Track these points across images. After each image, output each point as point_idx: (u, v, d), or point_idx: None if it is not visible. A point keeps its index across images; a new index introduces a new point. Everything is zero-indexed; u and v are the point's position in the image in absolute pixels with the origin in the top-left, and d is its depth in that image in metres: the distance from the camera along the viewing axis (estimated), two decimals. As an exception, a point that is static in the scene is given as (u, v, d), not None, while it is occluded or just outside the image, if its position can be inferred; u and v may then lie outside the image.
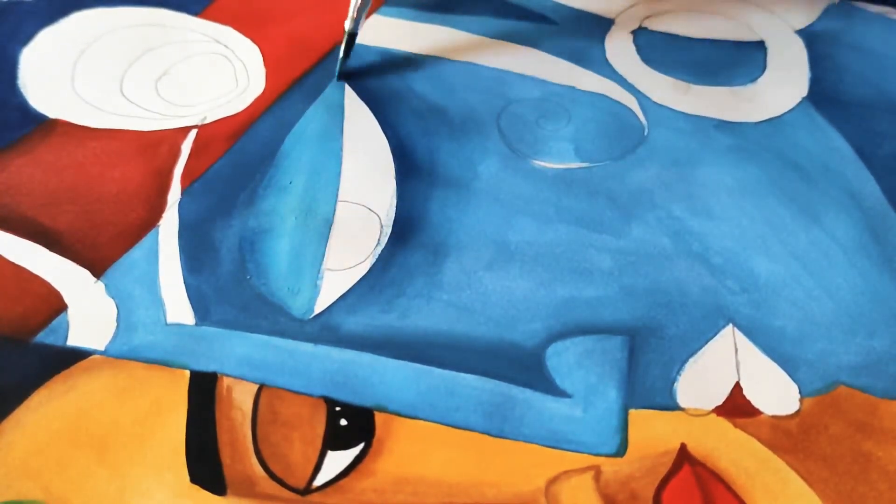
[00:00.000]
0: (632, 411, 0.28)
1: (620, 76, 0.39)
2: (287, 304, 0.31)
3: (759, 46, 0.41)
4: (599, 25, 0.41)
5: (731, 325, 0.31)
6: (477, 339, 0.30)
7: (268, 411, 0.28)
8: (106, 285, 0.31)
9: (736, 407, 0.29)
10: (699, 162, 0.36)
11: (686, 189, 0.35)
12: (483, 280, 0.32)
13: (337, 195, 0.34)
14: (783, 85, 0.39)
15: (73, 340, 0.29)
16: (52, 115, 0.36)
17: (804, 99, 0.38)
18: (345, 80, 0.38)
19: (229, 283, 0.31)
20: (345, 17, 0.37)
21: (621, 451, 0.28)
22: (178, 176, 0.34)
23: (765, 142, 0.36)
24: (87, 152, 0.35)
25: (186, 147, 0.35)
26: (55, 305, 0.30)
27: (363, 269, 0.32)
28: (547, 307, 0.31)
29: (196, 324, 0.30)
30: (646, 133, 0.37)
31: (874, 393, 0.29)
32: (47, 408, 0.28)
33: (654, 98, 0.38)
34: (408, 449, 0.27)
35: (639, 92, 0.38)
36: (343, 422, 0.28)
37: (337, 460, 0.27)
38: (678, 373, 0.29)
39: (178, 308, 0.30)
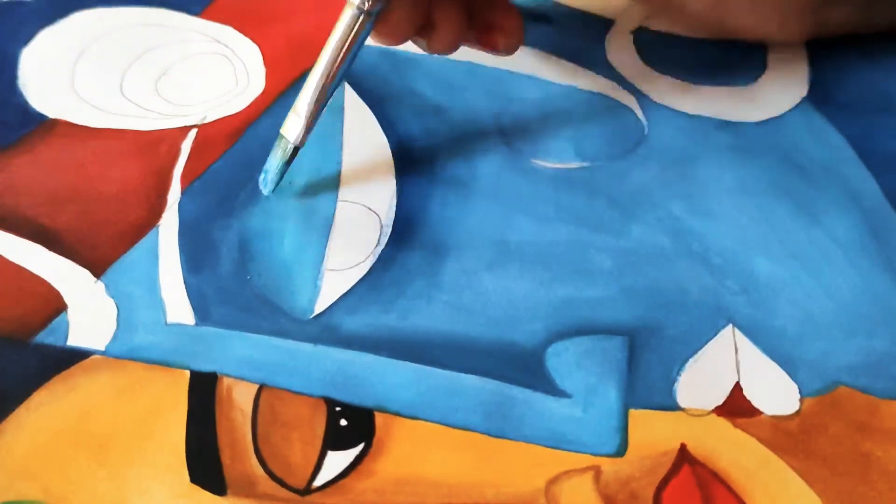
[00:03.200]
0: (632, 411, 0.28)
1: (620, 76, 0.39)
2: (287, 304, 0.31)
3: (760, 46, 0.41)
4: (599, 25, 0.41)
5: (731, 325, 0.31)
6: (477, 340, 0.30)
7: (268, 412, 0.28)
8: (106, 285, 0.31)
9: (736, 407, 0.29)
10: (699, 162, 0.36)
11: (686, 189, 0.35)
12: (483, 280, 0.32)
13: (337, 195, 0.34)
14: (783, 85, 0.39)
15: (73, 341, 0.29)
16: (52, 115, 0.36)
17: (804, 99, 0.38)
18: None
19: (229, 283, 0.31)
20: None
21: (621, 451, 0.28)
22: (178, 176, 0.34)
23: (765, 142, 0.36)
24: (87, 152, 0.35)
25: (186, 147, 0.35)
26: (55, 305, 0.30)
27: (363, 269, 0.32)
28: (547, 307, 0.31)
29: (196, 324, 0.30)
30: (646, 133, 0.37)
31: (874, 393, 0.29)
32: (47, 408, 0.28)
33: (654, 98, 0.38)
34: (408, 449, 0.27)
35: (639, 91, 0.38)
36: (343, 422, 0.28)
37: (337, 460, 0.27)
38: (678, 373, 0.29)
39: (179, 308, 0.30)
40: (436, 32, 0.32)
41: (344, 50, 0.30)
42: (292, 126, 0.32)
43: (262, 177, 0.33)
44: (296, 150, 0.32)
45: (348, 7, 0.30)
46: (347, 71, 0.31)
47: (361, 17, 0.30)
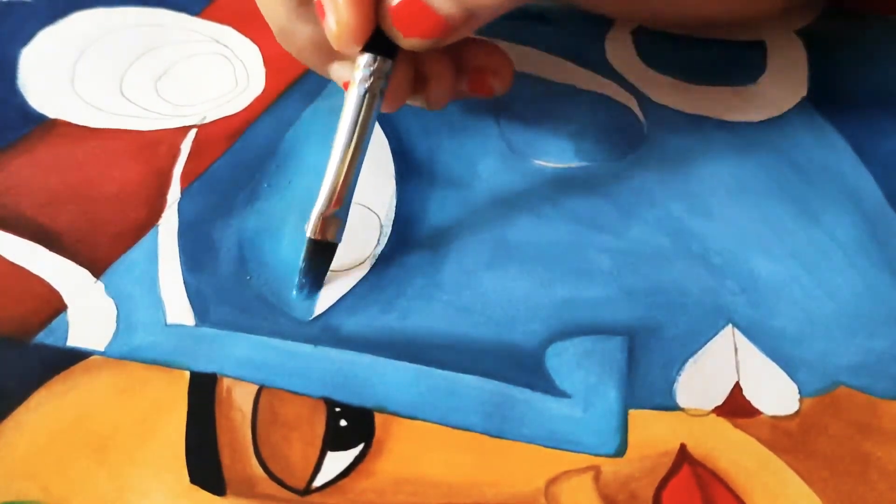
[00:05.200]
0: (631, 411, 0.28)
1: (620, 75, 0.39)
2: (287, 304, 0.31)
3: (759, 46, 0.41)
4: (599, 25, 0.41)
5: (730, 325, 0.31)
6: (477, 340, 0.30)
7: (268, 412, 0.28)
8: (105, 285, 0.31)
9: (736, 407, 0.29)
10: (699, 162, 0.36)
11: (686, 189, 0.35)
12: (483, 280, 0.32)
13: (337, 195, 0.34)
14: (783, 85, 0.39)
15: (73, 341, 0.29)
16: (51, 115, 0.36)
17: (804, 99, 0.38)
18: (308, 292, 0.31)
19: (229, 284, 0.31)
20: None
21: (621, 451, 0.28)
22: (178, 176, 0.34)
23: (765, 142, 0.36)
24: (87, 152, 0.35)
25: (186, 147, 0.35)
26: (55, 305, 0.30)
27: (363, 269, 0.32)
28: (547, 307, 0.31)
29: (196, 324, 0.30)
30: (646, 133, 0.37)
31: (874, 393, 0.29)
32: (47, 408, 0.28)
33: (654, 97, 0.38)
34: (408, 449, 0.27)
35: (639, 91, 0.38)
36: (343, 422, 0.28)
37: (337, 461, 0.27)
38: (678, 373, 0.29)
39: (178, 308, 0.30)
40: (430, 87, 0.32)
41: (356, 135, 0.29)
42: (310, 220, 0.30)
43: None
44: (315, 244, 0.30)
45: (354, 87, 0.29)
46: (363, 154, 0.29)
47: (367, 98, 0.29)
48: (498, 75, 0.34)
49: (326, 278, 0.31)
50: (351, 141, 0.29)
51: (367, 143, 0.29)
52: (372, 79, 0.29)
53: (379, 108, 0.30)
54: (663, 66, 0.39)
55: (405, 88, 0.32)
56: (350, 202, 0.30)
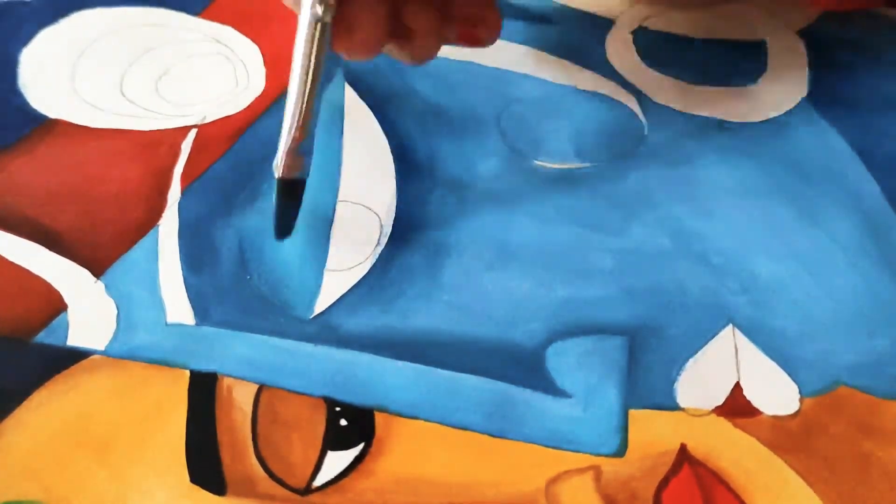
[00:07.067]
0: (632, 411, 0.28)
1: (620, 76, 0.39)
2: (287, 304, 0.31)
3: (760, 46, 0.41)
4: (599, 25, 0.41)
5: (731, 325, 0.31)
6: (477, 340, 0.30)
7: (268, 411, 0.28)
8: (106, 285, 0.31)
9: (736, 407, 0.29)
10: (699, 162, 0.36)
11: (686, 189, 0.35)
12: (483, 280, 0.32)
13: (337, 195, 0.34)
14: (783, 85, 0.39)
15: (73, 340, 0.29)
16: (52, 115, 0.36)
17: (804, 99, 0.38)
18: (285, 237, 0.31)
19: (229, 283, 0.31)
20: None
21: (621, 451, 0.28)
22: (178, 175, 0.34)
23: (765, 142, 0.36)
24: (87, 152, 0.35)
25: (186, 147, 0.35)
26: (55, 305, 0.30)
27: (363, 269, 0.32)
28: (547, 307, 0.31)
29: (196, 324, 0.30)
30: (646, 133, 0.37)
31: (875, 393, 0.29)
32: (47, 408, 0.28)
33: (654, 98, 0.38)
34: (408, 449, 0.27)
35: (639, 92, 0.38)
36: (343, 422, 0.28)
37: (337, 460, 0.27)
38: (678, 373, 0.29)
39: (178, 308, 0.30)
40: (414, 38, 0.30)
41: (313, 63, 0.28)
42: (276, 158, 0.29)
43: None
44: (285, 183, 0.29)
45: (305, 11, 0.27)
46: (322, 88, 0.28)
47: (318, 26, 0.27)
48: (485, 25, 0.32)
49: (327, 278, 0.31)
50: (308, 69, 0.28)
51: (323, 71, 0.28)
52: (321, 5, 0.27)
53: (330, 37, 0.28)
54: (663, 66, 0.39)
55: (379, 33, 0.29)
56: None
